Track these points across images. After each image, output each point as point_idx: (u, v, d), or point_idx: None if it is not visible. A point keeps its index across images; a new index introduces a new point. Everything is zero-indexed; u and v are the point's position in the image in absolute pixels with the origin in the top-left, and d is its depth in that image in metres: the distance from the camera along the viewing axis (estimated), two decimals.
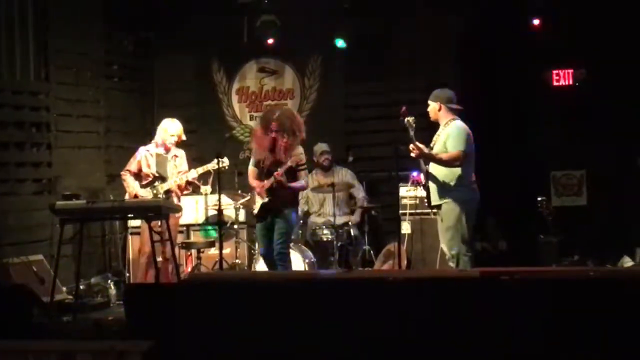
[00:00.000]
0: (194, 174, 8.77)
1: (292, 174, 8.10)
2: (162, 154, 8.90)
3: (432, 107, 7.71)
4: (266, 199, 8.06)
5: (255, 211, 8.19)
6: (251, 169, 8.33)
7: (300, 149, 8.22)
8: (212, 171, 8.73)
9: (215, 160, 8.48)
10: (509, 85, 10.28)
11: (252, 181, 8.26)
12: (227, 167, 8.62)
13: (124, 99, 11.01)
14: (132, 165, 8.89)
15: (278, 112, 8.31)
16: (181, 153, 9.04)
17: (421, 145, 7.44)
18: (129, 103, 11.09)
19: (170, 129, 8.91)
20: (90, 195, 9.38)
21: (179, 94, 11.46)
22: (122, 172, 8.94)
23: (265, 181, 8.06)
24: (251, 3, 10.57)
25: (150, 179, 8.80)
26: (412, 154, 7.49)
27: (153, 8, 10.89)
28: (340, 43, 10.59)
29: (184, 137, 9.00)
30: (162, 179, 8.79)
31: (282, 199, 8.08)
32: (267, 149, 8.12)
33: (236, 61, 11.44)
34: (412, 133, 7.43)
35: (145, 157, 8.88)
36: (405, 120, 7.42)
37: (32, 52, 9.49)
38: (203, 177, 9.02)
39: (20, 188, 9.30)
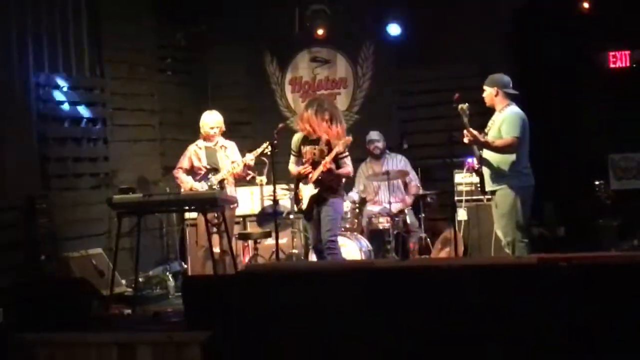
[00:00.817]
0: (250, 156, 8.75)
1: (335, 162, 8.10)
2: (211, 146, 8.94)
3: (489, 92, 7.63)
4: (315, 190, 8.06)
5: (304, 205, 8.17)
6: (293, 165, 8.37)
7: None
8: (266, 160, 8.71)
9: (265, 144, 8.47)
10: (564, 69, 10.14)
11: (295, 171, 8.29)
12: (277, 150, 8.54)
13: (177, 92, 11.11)
14: (184, 162, 8.96)
15: (326, 102, 8.38)
16: (230, 144, 9.05)
17: (475, 132, 7.38)
18: (183, 96, 11.17)
19: (208, 121, 8.94)
20: (147, 188, 9.47)
21: (232, 86, 11.52)
22: (175, 170, 9.01)
23: (313, 172, 8.06)
24: None
25: (203, 171, 8.85)
26: (465, 140, 7.44)
27: (205, 1, 10.92)
28: (393, 30, 10.54)
29: (223, 128, 9.01)
30: (215, 170, 8.83)
31: (328, 187, 8.09)
32: (313, 129, 8.13)
33: (288, 51, 11.46)
34: (466, 120, 7.38)
35: (195, 151, 8.94)
36: (459, 107, 7.37)
37: (86, 48, 9.62)
38: (258, 168, 9.04)
39: (78, 183, 9.43)
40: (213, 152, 8.93)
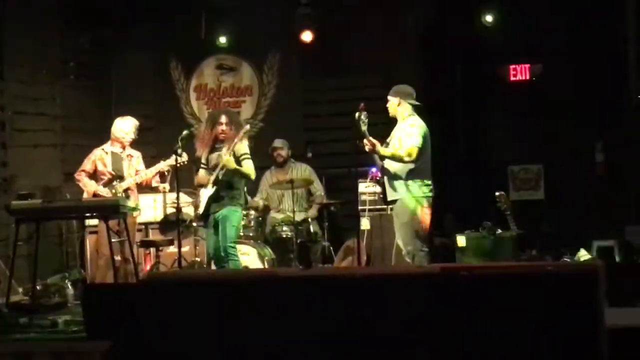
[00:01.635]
0: (162, 165, 8.69)
1: (236, 162, 8.12)
2: (118, 152, 8.85)
3: (392, 102, 7.72)
4: (212, 189, 8.05)
5: (202, 209, 8.17)
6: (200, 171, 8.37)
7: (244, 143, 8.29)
8: (169, 168, 8.67)
9: (174, 157, 8.42)
10: (466, 81, 10.33)
11: (198, 179, 8.31)
12: (186, 163, 8.54)
13: (80, 97, 10.93)
14: (87, 166, 8.82)
15: (224, 109, 8.48)
16: (136, 153, 8.99)
17: (374, 141, 7.45)
18: (86, 101, 11.00)
19: (125, 127, 8.86)
20: (47, 195, 9.27)
21: (137, 92, 11.36)
22: (76, 174, 8.86)
23: (212, 175, 8.09)
24: None
25: (107, 177, 8.73)
26: (366, 149, 7.50)
27: (110, 5, 10.77)
28: (306, 36, 10.56)
29: (135, 135, 8.94)
30: (120, 177, 8.74)
31: (227, 190, 8.10)
32: (210, 143, 8.19)
33: (194, 58, 11.40)
34: (364, 128, 7.42)
35: (100, 156, 8.82)
36: (356, 115, 7.40)
37: None
38: (161, 175, 8.97)
39: None
40: (119, 159, 8.84)
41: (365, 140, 7.43)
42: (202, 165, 8.34)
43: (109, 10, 10.79)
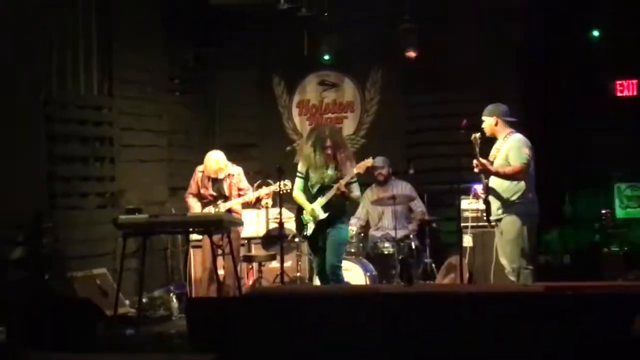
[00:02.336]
0: (265, 190, 8.77)
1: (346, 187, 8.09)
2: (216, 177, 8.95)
3: (488, 122, 7.63)
4: (325, 215, 8.00)
5: (309, 232, 8.10)
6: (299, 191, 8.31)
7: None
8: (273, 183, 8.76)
9: (279, 183, 8.48)
10: (572, 96, 10.15)
11: (304, 203, 8.20)
12: (289, 190, 8.54)
13: (186, 112, 11.13)
14: (193, 187, 8.98)
15: (327, 129, 8.34)
16: (236, 170, 9.02)
17: (485, 161, 7.37)
18: (191, 117, 11.19)
19: (212, 166, 8.91)
20: (153, 209, 9.44)
21: (240, 108, 11.53)
22: (185, 195, 9.04)
23: (321, 197, 8.02)
24: (311, 16, 10.57)
25: (209, 199, 8.86)
26: (475, 170, 7.42)
27: (214, 22, 10.95)
28: (411, 53, 10.51)
29: (221, 175, 8.98)
30: (225, 197, 8.84)
31: (337, 212, 8.06)
32: (323, 167, 8.09)
33: (297, 74, 11.47)
34: (477, 149, 7.35)
35: (201, 178, 8.93)
36: (472, 136, 7.34)
37: (95, 67, 9.64)
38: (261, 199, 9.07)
39: (84, 202, 9.42)
40: (220, 181, 8.94)
41: (475, 161, 7.36)
42: (299, 175, 8.26)
43: (213, 27, 10.96)
